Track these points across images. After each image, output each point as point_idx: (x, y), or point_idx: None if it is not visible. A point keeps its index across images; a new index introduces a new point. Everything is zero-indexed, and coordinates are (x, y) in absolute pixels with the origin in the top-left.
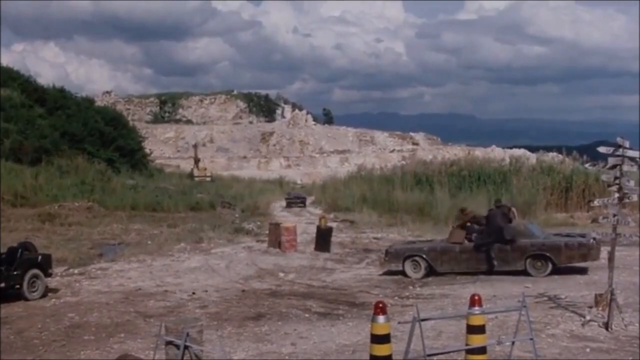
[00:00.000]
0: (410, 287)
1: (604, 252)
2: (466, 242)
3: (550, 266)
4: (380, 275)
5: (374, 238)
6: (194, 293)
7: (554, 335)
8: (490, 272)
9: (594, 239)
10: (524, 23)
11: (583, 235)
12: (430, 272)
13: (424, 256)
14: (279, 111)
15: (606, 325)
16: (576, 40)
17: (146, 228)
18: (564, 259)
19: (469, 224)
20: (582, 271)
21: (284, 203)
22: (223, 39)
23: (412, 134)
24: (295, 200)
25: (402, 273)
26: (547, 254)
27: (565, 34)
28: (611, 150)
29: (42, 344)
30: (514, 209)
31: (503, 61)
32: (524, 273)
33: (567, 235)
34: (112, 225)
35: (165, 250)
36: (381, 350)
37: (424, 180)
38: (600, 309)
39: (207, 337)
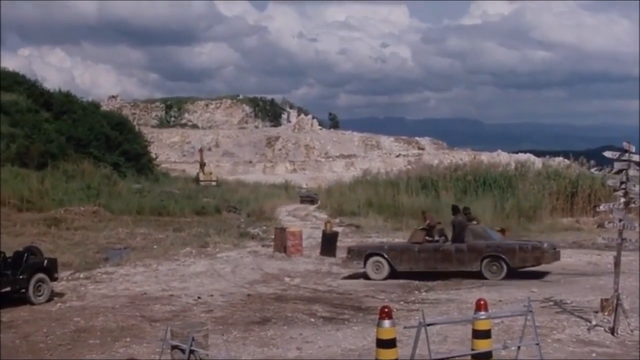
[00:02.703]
0: (416, 292)
1: (572, 257)
2: (426, 242)
3: (505, 268)
4: (386, 279)
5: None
6: (199, 297)
7: (559, 340)
8: (447, 272)
9: (549, 244)
10: (528, 28)
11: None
12: (392, 271)
13: (385, 255)
14: (284, 116)
15: (612, 330)
16: (580, 44)
17: (152, 232)
18: (517, 261)
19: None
20: (540, 275)
21: (289, 207)
22: (228, 44)
23: (417, 138)
24: (307, 199)
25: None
26: (502, 256)
27: (570, 38)
28: (617, 155)
29: (47, 348)
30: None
31: (508, 66)
32: (479, 275)
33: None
34: (118, 229)
35: (171, 255)
36: (387, 355)
37: (429, 185)
38: (606, 313)
39: (213, 342)
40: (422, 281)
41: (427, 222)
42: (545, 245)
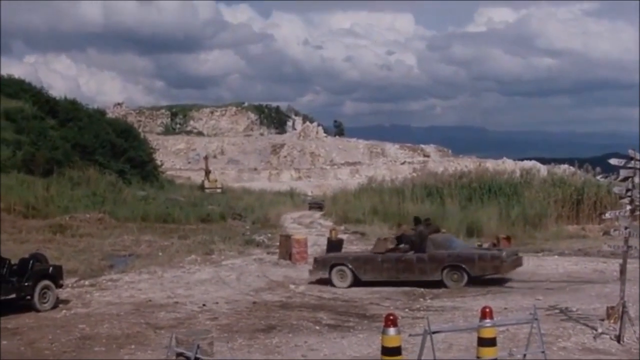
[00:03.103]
0: (421, 300)
1: (578, 264)
2: (388, 252)
3: (465, 277)
4: (391, 287)
5: None
6: (204, 305)
7: (565, 348)
8: (409, 281)
9: (508, 253)
10: (533, 35)
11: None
12: (355, 280)
13: (349, 265)
14: (289, 123)
15: (618, 338)
16: (586, 52)
17: (157, 239)
18: (477, 270)
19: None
20: (500, 282)
21: (294, 215)
22: (234, 51)
23: (423, 146)
24: (315, 205)
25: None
26: (462, 265)
27: (576, 45)
28: (623, 162)
29: (52, 355)
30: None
31: (513, 73)
32: (441, 284)
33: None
34: (123, 236)
35: (176, 262)
36: None
37: (434, 192)
38: (612, 321)
39: (218, 349)
40: (427, 288)
41: (400, 232)
42: (504, 254)
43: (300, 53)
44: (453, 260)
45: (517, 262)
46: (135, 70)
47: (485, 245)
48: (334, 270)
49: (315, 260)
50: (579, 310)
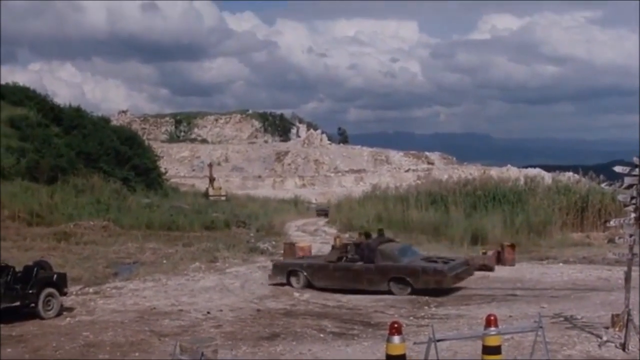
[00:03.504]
0: (426, 307)
1: (583, 272)
2: (340, 261)
3: (409, 289)
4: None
5: None
6: (208, 312)
7: (570, 356)
8: (357, 290)
9: (452, 267)
10: (537, 43)
11: (450, 260)
12: (310, 286)
13: (303, 272)
14: (294, 130)
15: (623, 346)
16: (590, 59)
17: (161, 247)
18: (420, 284)
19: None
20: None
21: (298, 222)
22: (238, 59)
23: (427, 153)
24: (322, 212)
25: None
26: (406, 278)
27: (579, 53)
28: (627, 170)
29: None
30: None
31: (518, 81)
32: (389, 293)
33: (431, 260)
34: (127, 244)
35: (180, 270)
36: None
37: (439, 200)
38: (617, 329)
39: (222, 357)
40: (432, 296)
41: (358, 241)
42: (447, 268)
43: (304, 60)
44: (398, 273)
45: (463, 275)
46: (140, 78)
47: (490, 253)
48: (292, 276)
49: (274, 266)
50: (584, 318)
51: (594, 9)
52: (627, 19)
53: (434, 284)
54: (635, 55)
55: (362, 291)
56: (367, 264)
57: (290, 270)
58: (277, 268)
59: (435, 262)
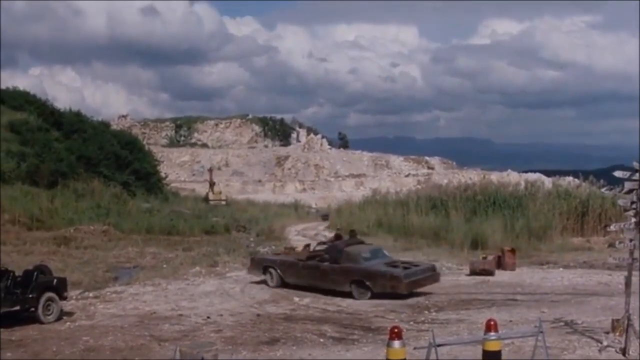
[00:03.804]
0: (426, 312)
1: (583, 277)
2: (308, 260)
3: (369, 293)
4: (395, 300)
5: None
6: (208, 317)
7: None
8: (319, 288)
9: (409, 274)
10: (537, 47)
11: (415, 265)
12: (283, 282)
13: (277, 268)
14: (294, 135)
15: (623, 351)
16: (590, 64)
17: (161, 251)
18: (378, 287)
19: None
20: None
21: (299, 227)
22: (238, 64)
23: (427, 158)
24: (326, 217)
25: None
26: (365, 281)
27: (580, 58)
28: (627, 175)
29: None
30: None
31: (518, 85)
32: (350, 295)
33: (394, 265)
34: (128, 248)
35: (180, 274)
36: None
37: (439, 205)
38: (617, 334)
39: None
40: (432, 301)
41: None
42: (403, 274)
43: (304, 65)
44: (358, 276)
45: (423, 282)
46: (140, 83)
47: (490, 258)
48: (267, 271)
49: (252, 260)
50: (584, 323)
51: (594, 14)
52: (627, 23)
53: (390, 289)
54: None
55: (331, 291)
56: (332, 264)
57: (265, 265)
58: (254, 263)
59: (397, 266)
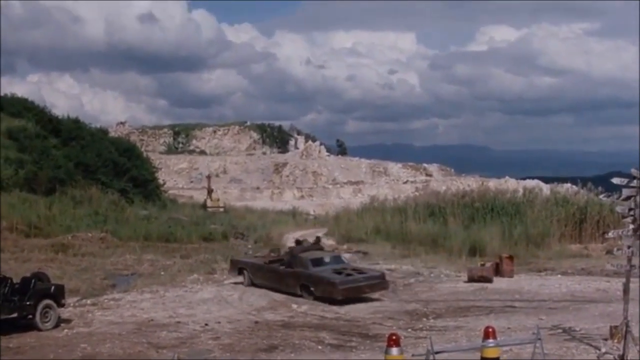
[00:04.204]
0: (424, 319)
1: (581, 284)
2: (271, 263)
3: (312, 296)
4: (391, 304)
5: (388, 269)
6: (206, 324)
7: None
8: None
9: (346, 281)
10: (535, 54)
11: (362, 272)
12: (252, 282)
13: (247, 269)
14: (292, 142)
15: (621, 358)
16: (588, 71)
17: (159, 259)
18: (319, 292)
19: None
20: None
21: (297, 234)
22: (237, 71)
23: (425, 165)
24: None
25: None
26: (310, 286)
27: (577, 64)
28: (625, 182)
29: None
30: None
31: (515, 92)
32: (301, 296)
33: (338, 272)
34: (125, 255)
35: (178, 281)
36: None
37: (437, 212)
38: (615, 341)
39: None
40: (430, 308)
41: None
42: (338, 280)
43: (302, 72)
44: (305, 280)
45: (365, 288)
46: (138, 89)
47: (488, 265)
48: (242, 272)
49: (230, 261)
50: (582, 330)
51: (592, 21)
52: (624, 30)
53: (328, 294)
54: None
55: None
56: (287, 268)
57: (239, 267)
58: (232, 264)
59: (340, 273)
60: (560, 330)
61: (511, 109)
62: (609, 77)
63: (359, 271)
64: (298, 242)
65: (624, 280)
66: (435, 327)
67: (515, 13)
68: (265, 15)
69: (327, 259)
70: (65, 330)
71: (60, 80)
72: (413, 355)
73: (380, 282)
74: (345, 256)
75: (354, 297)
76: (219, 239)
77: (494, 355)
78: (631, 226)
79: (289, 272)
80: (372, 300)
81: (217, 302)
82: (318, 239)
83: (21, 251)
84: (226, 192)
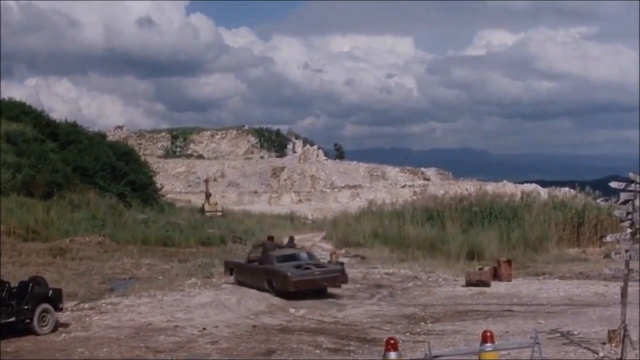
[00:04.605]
0: (422, 323)
1: (579, 287)
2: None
3: (273, 290)
4: (389, 308)
5: (386, 274)
6: (204, 328)
7: None
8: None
9: (298, 274)
10: (532, 58)
11: (322, 267)
12: (239, 281)
13: (235, 269)
14: (290, 146)
15: None
16: (585, 75)
17: (157, 263)
18: (278, 286)
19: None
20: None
21: (295, 238)
22: (234, 75)
23: (423, 169)
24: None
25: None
26: (272, 280)
27: (575, 69)
28: (623, 186)
29: None
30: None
31: (513, 96)
32: (268, 291)
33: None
34: (123, 259)
35: (176, 285)
36: None
37: (435, 216)
38: (613, 345)
39: None
40: (428, 312)
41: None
42: (289, 274)
43: (300, 76)
44: (269, 275)
45: (319, 282)
46: (136, 93)
47: (486, 269)
48: (232, 273)
49: (224, 262)
50: (581, 334)
51: (589, 25)
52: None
53: (283, 287)
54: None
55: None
56: (259, 265)
57: (230, 267)
58: (225, 265)
59: (299, 268)
60: (558, 334)
61: (509, 113)
62: (607, 81)
63: (320, 266)
64: (270, 237)
65: (622, 284)
66: (433, 331)
67: (512, 17)
68: (262, 18)
69: (292, 256)
70: (63, 335)
71: (58, 84)
72: (411, 359)
73: (339, 276)
74: (344, 260)
75: (309, 289)
76: (217, 243)
77: (492, 359)
78: (629, 230)
79: (259, 268)
80: (370, 304)
81: (215, 306)
82: (292, 238)
83: (19, 255)
84: (224, 196)
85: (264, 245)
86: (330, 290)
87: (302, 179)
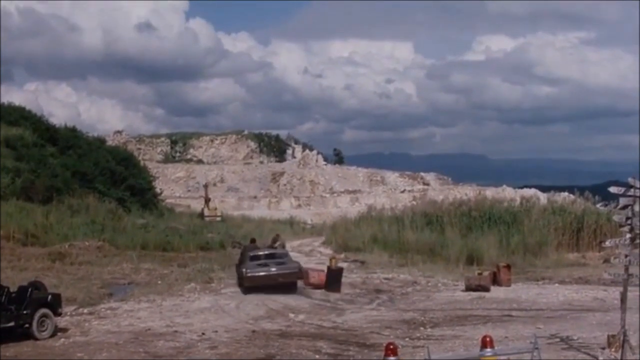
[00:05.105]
0: (422, 328)
1: (579, 292)
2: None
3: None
4: (389, 313)
5: (385, 278)
6: (203, 333)
7: None
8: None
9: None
10: (531, 64)
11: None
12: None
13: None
14: (289, 151)
15: None
16: (584, 80)
17: (156, 267)
18: (240, 282)
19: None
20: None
21: (294, 243)
22: (234, 80)
23: (422, 174)
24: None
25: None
26: (239, 278)
27: (574, 74)
28: (622, 191)
29: None
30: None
31: (512, 101)
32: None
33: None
34: (122, 264)
35: (175, 290)
36: None
37: (434, 221)
38: (613, 350)
39: None
40: (428, 317)
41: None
42: (243, 270)
43: (299, 81)
44: (239, 274)
45: (275, 277)
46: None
47: (486, 274)
48: None
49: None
50: (580, 339)
51: (588, 30)
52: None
53: (240, 283)
54: (629, 75)
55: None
56: (239, 265)
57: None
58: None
59: (259, 266)
60: (557, 339)
61: (508, 118)
62: (606, 86)
63: (279, 264)
64: (253, 240)
65: (621, 289)
66: (432, 336)
67: (511, 22)
68: (261, 23)
69: (264, 255)
70: (62, 340)
71: (57, 89)
72: None
73: (294, 272)
74: (343, 265)
75: (265, 285)
76: (217, 248)
77: None
78: (628, 235)
79: (238, 268)
80: (369, 309)
81: (215, 311)
82: (275, 238)
83: (18, 260)
84: (223, 201)
85: (244, 247)
86: (329, 294)
87: (302, 184)
